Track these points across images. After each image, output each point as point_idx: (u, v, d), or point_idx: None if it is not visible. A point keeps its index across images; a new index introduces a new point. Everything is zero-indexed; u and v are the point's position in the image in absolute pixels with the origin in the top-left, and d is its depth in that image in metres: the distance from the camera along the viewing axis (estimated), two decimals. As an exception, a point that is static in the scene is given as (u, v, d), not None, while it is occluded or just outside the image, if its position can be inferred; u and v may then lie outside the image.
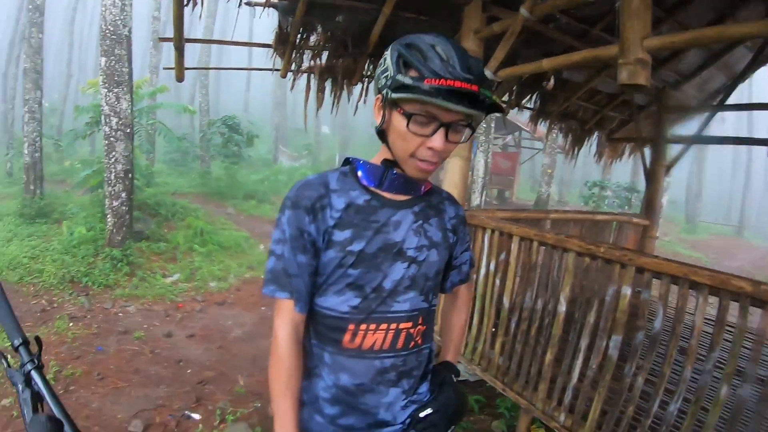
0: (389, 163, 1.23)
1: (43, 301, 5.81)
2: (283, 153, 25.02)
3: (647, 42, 2.24)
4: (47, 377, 1.17)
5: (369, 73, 4.46)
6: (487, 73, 3.09)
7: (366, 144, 27.80)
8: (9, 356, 0.98)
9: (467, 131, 1.17)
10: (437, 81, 1.02)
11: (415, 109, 1.08)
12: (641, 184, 13.47)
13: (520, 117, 15.98)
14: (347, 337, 1.22)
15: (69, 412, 0.90)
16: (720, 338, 2.06)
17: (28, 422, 0.86)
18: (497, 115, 12.80)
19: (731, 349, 2.03)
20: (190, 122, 26.96)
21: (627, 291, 2.46)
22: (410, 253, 1.25)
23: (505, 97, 5.08)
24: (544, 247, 3.08)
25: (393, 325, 1.24)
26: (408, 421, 1.32)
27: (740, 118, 33.37)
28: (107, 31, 7.21)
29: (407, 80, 1.06)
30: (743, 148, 33.97)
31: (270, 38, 4.23)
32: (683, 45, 2.37)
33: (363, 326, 1.22)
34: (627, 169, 19.49)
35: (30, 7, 10.31)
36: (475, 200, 12.99)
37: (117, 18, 7.20)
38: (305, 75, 4.47)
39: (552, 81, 5.13)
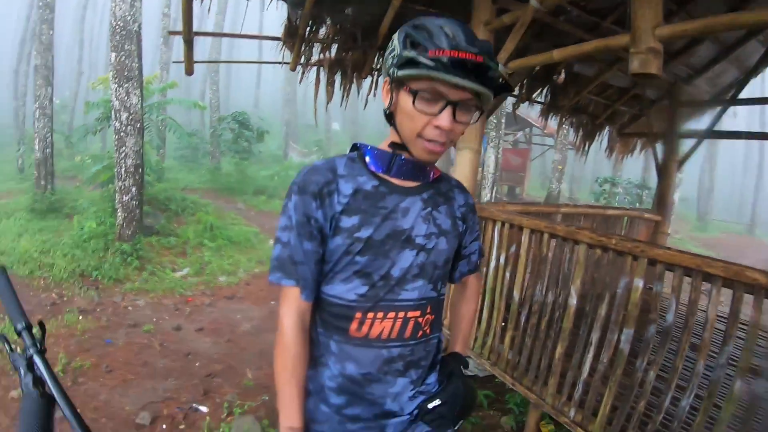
0: (397, 147, 1.21)
1: (53, 294, 5.85)
2: (293, 149, 24.99)
3: (659, 31, 2.20)
4: (54, 370, 1.16)
5: (378, 66, 4.43)
6: (501, 68, 3.06)
7: (376, 141, 27.46)
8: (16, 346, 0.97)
9: (476, 113, 1.15)
10: (441, 52, 1.01)
11: (422, 86, 1.07)
12: (652, 181, 13.39)
13: (530, 113, 15.89)
14: (354, 325, 1.21)
15: (77, 403, 0.89)
16: (734, 331, 2.02)
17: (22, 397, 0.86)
18: (507, 111, 12.83)
19: (745, 344, 1.99)
20: (200, 119, 27.11)
21: (639, 283, 2.43)
22: (419, 240, 1.23)
23: (516, 91, 5.04)
24: (554, 240, 3.05)
25: (401, 314, 1.22)
26: (416, 412, 1.30)
27: (753, 113, 33.10)
28: (117, 27, 7.25)
29: (411, 53, 1.05)
30: (755, 144, 33.78)
31: (279, 32, 4.21)
32: (695, 33, 2.33)
33: (370, 314, 1.20)
34: (638, 166, 19.37)
35: (40, 4, 10.38)
36: (485, 196, 12.91)
37: (127, 13, 7.24)
38: (314, 68, 4.45)
39: (563, 75, 5.08)
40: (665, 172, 5.66)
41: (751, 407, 2.05)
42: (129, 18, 7.26)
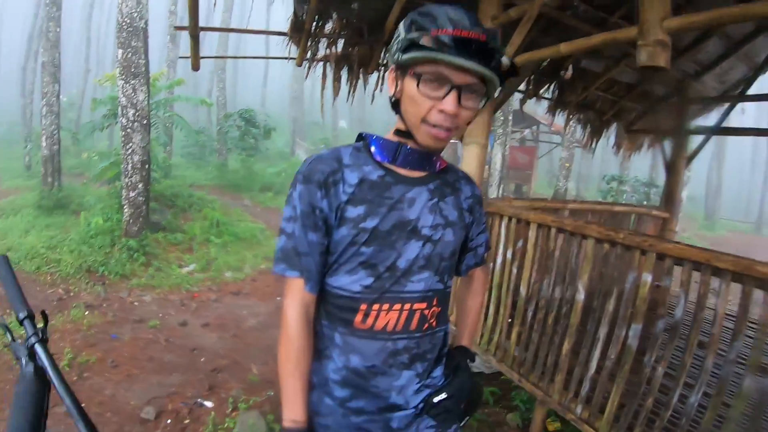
0: (402, 134, 1.20)
1: (60, 290, 5.87)
2: (300, 146, 24.98)
3: (667, 23, 2.17)
4: (60, 364, 1.15)
5: (385, 61, 4.42)
6: (505, 59, 3.04)
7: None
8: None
9: (483, 100, 1.13)
10: (443, 31, 1.00)
11: (426, 69, 1.06)
12: (660, 179, 13.31)
13: (537, 110, 15.81)
14: (359, 317, 1.19)
15: (82, 398, 0.88)
16: (743, 327, 1.99)
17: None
18: (515, 108, 12.77)
19: (755, 341, 1.96)
20: (207, 116, 27.15)
21: (648, 278, 2.40)
22: (425, 231, 1.21)
23: (523, 86, 5.01)
24: (562, 235, 3.02)
25: (407, 306, 1.21)
26: (421, 405, 1.29)
27: (761, 109, 32.88)
28: (124, 24, 7.26)
29: (414, 35, 1.04)
30: (763, 143, 33.50)
31: (286, 28, 4.20)
32: (703, 25, 2.28)
33: (375, 306, 1.18)
34: (645, 164, 19.26)
35: (47, 1, 10.43)
36: (492, 194, 12.89)
37: (133, 10, 7.26)
38: (321, 63, 4.43)
39: (570, 70, 5.05)
40: (673, 169, 5.62)
41: (760, 405, 2.03)
42: (136, 15, 7.28)
